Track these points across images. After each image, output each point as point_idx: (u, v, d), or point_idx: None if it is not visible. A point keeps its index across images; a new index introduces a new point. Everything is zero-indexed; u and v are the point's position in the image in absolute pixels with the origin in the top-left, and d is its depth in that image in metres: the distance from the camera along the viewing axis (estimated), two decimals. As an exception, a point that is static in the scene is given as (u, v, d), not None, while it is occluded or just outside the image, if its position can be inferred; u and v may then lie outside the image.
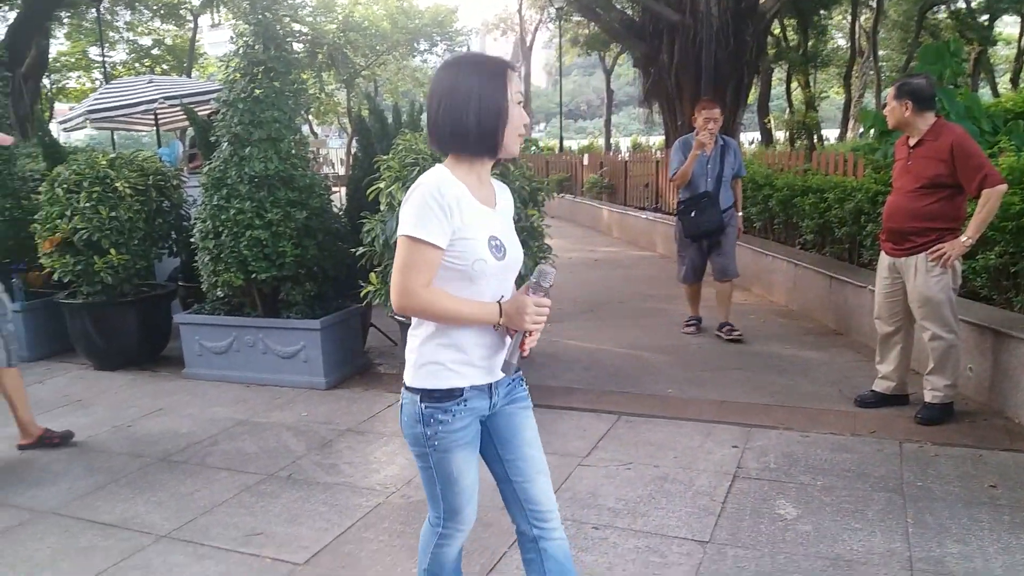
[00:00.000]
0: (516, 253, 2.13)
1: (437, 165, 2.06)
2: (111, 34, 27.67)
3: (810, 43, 26.86)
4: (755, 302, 7.61)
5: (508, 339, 2.07)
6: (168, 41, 31.11)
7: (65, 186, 5.71)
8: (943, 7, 29.44)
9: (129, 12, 27.77)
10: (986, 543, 3.07)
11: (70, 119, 11.48)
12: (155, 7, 28.17)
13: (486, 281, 2.03)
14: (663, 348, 6.07)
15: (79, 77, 30.05)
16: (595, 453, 4.10)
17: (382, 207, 4.56)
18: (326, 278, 5.52)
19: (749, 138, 30.12)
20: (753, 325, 6.63)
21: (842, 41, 33.21)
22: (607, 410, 4.72)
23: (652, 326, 6.81)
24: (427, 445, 2.08)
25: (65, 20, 24.42)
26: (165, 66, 30.30)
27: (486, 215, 2.05)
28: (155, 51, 30.88)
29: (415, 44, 36.25)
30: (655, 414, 4.63)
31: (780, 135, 29.59)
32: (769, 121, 27.45)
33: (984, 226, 4.11)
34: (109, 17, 26.39)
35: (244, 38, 5.28)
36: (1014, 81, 29.66)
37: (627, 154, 16.61)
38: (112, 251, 5.67)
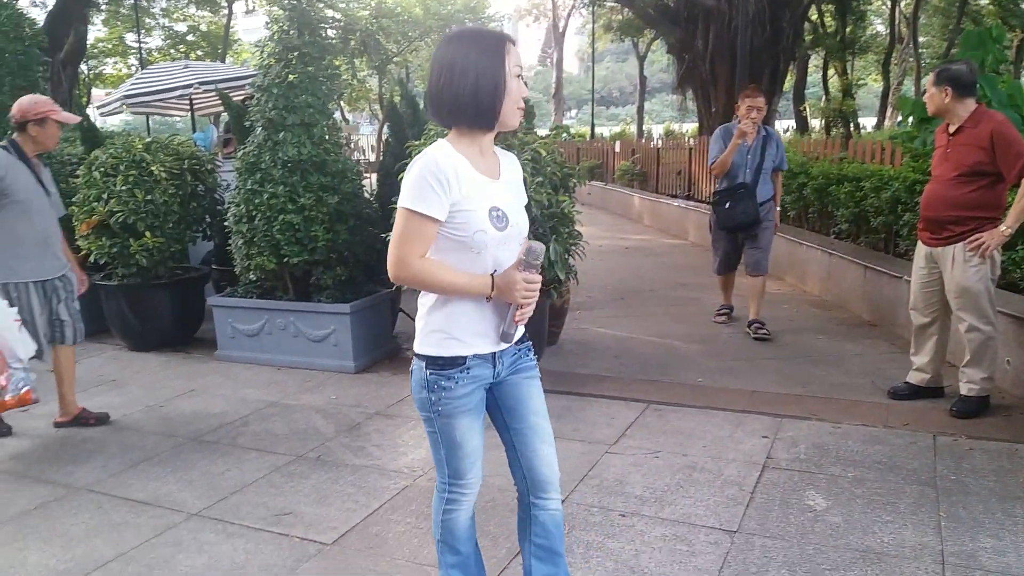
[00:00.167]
0: (520, 222, 2.17)
1: (439, 139, 2.12)
2: (147, 20, 27.98)
3: (848, 29, 26.37)
4: (788, 292, 7.52)
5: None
6: (203, 27, 31.40)
7: (102, 169, 5.79)
8: (986, -7, 28.76)
9: (165, -1, 28.10)
10: (1020, 538, 3.01)
11: (107, 104, 11.66)
12: (191, -7, 28.47)
13: (488, 251, 2.08)
14: (694, 337, 6.03)
15: (116, 63, 30.46)
16: (623, 441, 4.09)
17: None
18: (356, 263, 5.55)
19: (784, 126, 29.73)
20: (786, 315, 6.56)
21: (881, 27, 32.61)
22: (636, 398, 4.70)
23: (683, 315, 6.76)
24: (432, 410, 2.17)
25: (103, 7, 24.75)
26: (200, 52, 30.58)
27: (487, 186, 2.10)
28: (190, 37, 31.20)
29: (447, 30, 36.10)
30: (684, 403, 4.60)
31: (815, 123, 29.18)
32: (804, 109, 27.07)
33: (1024, 216, 4.02)
34: (145, 3, 26.68)
35: (279, 23, 5.31)
36: (1059, 69, 28.93)
37: (659, 141, 16.47)
38: (147, 234, 5.75)
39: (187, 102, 12.10)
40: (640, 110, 36.97)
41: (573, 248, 4.98)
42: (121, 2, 25.33)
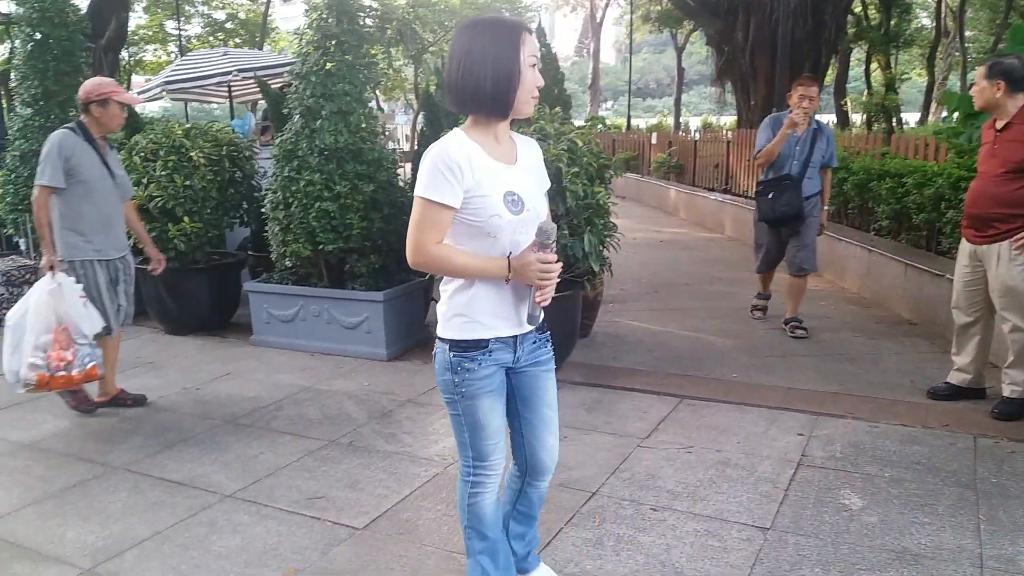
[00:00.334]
0: (538, 206, 2.21)
1: (454, 128, 2.18)
2: (187, 8, 28.26)
3: (892, 22, 25.82)
4: (826, 288, 7.41)
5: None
6: (241, 15, 31.65)
7: (142, 155, 5.88)
8: (1035, -14, 28.01)
9: (205, -14, 28.37)
10: (1064, 545, 2.94)
11: (147, 90, 11.80)
12: (231, -19, 28.72)
13: (505, 235, 2.12)
14: (729, 332, 5.96)
15: (155, 50, 30.80)
16: (655, 435, 4.06)
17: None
18: (390, 251, 5.57)
19: (824, 121, 29.21)
20: (823, 312, 6.46)
21: (926, 20, 31.90)
22: (669, 393, 4.66)
23: (718, 309, 6.69)
24: (455, 392, 2.23)
25: (144, -6, 25.06)
26: (238, 40, 30.82)
27: (502, 172, 2.14)
28: (228, 25, 31.45)
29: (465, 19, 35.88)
30: (718, 398, 4.55)
31: (856, 118, 28.67)
32: (846, 103, 26.60)
33: (1074, 214, 3.90)
34: (186, -10, 26.96)
35: (318, 11, 5.33)
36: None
37: (697, 134, 16.30)
38: (186, 219, 5.82)
39: (226, 89, 12.21)
40: (677, 102, 36.61)
41: (608, 240, 4.95)
42: (162, -11, 25.64)
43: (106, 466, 3.82)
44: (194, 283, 6.17)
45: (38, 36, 6.30)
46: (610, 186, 5.05)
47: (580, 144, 4.77)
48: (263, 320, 5.84)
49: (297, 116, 5.41)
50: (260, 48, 27.57)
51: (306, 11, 5.49)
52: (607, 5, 42.34)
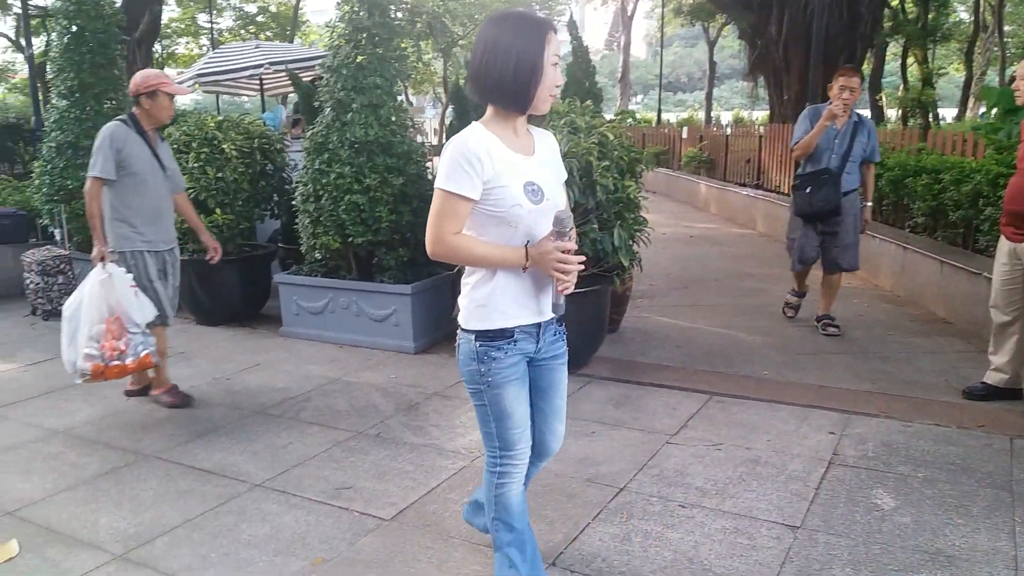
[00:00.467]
0: (556, 196, 2.25)
1: (474, 122, 2.23)
2: (219, 1, 28.51)
3: (930, 16, 25.35)
4: (860, 286, 7.31)
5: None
6: (272, 8, 31.86)
7: (175, 146, 5.93)
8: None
9: (237, -21, 28.60)
10: (1104, 550, 2.87)
11: (180, 82, 11.91)
12: (262, -25, 28.91)
13: (524, 224, 2.16)
14: (759, 329, 5.90)
15: (188, 43, 31.12)
16: (684, 432, 4.03)
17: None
18: (419, 244, 5.56)
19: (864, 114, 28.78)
20: (856, 310, 6.37)
21: (965, 14, 31.27)
22: (698, 389, 4.62)
23: (748, 306, 6.63)
24: (481, 382, 2.28)
25: (177, -13, 25.31)
26: (269, 33, 31.03)
27: (521, 163, 2.18)
28: (260, 18, 31.68)
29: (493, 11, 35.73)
30: (748, 396, 4.50)
31: (891, 113, 28.22)
32: (881, 98, 26.17)
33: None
34: (218, -16, 27.19)
35: (349, 4, 5.33)
36: None
37: (728, 128, 16.14)
38: (217, 211, 5.87)
39: (257, 82, 12.31)
40: (709, 96, 36.21)
41: (638, 234, 4.91)
42: (196, -17, 25.89)
43: (138, 454, 3.87)
44: (225, 274, 6.21)
45: (74, 28, 6.37)
46: (640, 180, 5.01)
47: (611, 137, 4.74)
48: (293, 312, 5.88)
49: (328, 109, 5.43)
50: (291, 41, 27.76)
51: (337, 4, 5.51)
52: (638, -2, 41.99)
